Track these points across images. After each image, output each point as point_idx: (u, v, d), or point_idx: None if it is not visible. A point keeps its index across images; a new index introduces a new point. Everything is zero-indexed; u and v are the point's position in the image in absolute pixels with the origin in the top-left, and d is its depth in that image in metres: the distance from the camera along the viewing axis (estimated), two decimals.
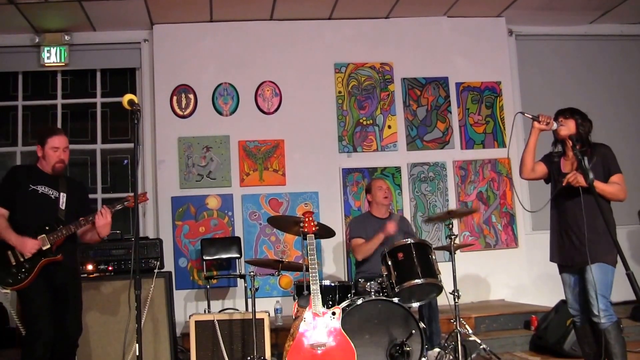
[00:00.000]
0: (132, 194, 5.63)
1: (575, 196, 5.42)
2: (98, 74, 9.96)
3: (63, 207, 5.81)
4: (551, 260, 5.82)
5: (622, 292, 8.65)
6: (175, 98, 9.58)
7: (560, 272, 5.78)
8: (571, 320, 6.71)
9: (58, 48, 9.51)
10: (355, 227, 7.80)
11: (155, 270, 7.15)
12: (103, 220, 5.69)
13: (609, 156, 5.57)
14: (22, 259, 5.52)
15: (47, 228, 5.63)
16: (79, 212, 5.86)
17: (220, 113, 9.65)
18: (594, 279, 5.36)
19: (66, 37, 9.51)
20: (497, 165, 10.04)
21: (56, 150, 5.79)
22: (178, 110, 9.56)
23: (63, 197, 5.84)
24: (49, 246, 5.59)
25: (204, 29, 9.76)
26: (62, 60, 9.53)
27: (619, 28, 10.86)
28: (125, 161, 9.95)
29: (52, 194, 5.80)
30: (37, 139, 5.94)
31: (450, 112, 10.13)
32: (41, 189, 5.77)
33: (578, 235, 5.47)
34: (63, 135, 5.91)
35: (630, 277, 4.37)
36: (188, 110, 9.57)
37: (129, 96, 4.78)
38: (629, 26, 10.88)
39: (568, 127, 5.62)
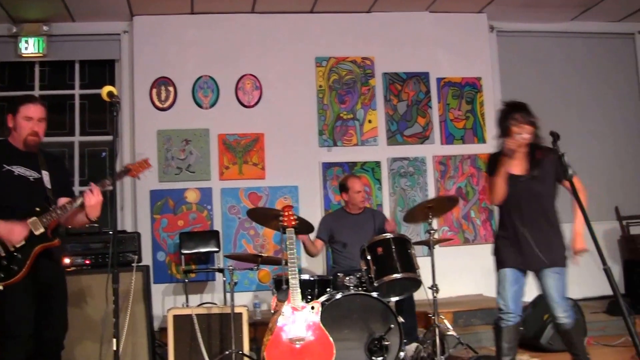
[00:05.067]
0: (132, 163, 5.22)
1: (534, 199, 5.49)
2: (77, 66, 9.86)
3: (49, 187, 5.21)
4: (505, 266, 5.63)
5: (598, 287, 8.78)
6: (154, 90, 9.51)
7: (501, 267, 5.67)
8: (548, 315, 6.74)
9: (36, 39, 9.41)
10: (322, 226, 7.98)
11: (133, 264, 7.10)
12: (94, 198, 4.99)
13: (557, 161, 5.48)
14: (12, 249, 4.91)
15: (37, 209, 5.03)
16: (63, 194, 5.31)
17: (200, 106, 9.60)
18: (560, 282, 5.46)
19: (44, 28, 9.41)
20: (477, 160, 10.05)
21: (29, 120, 5.16)
22: (157, 103, 9.50)
23: (46, 176, 5.23)
24: (43, 230, 5.01)
25: (185, 21, 9.69)
26: (40, 51, 9.43)
27: (600, 25, 10.91)
28: (104, 154, 9.89)
29: (31, 176, 5.17)
30: (9, 107, 5.26)
31: (431, 107, 10.13)
32: (17, 169, 5.14)
33: (540, 239, 5.48)
34: (39, 104, 5.28)
35: (608, 272, 4.37)
36: (167, 103, 9.51)
37: (108, 88, 4.70)
38: (609, 24, 10.93)
39: (529, 133, 5.47)
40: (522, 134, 5.43)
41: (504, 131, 5.53)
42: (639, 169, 10.88)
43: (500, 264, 5.70)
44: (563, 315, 5.45)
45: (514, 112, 5.49)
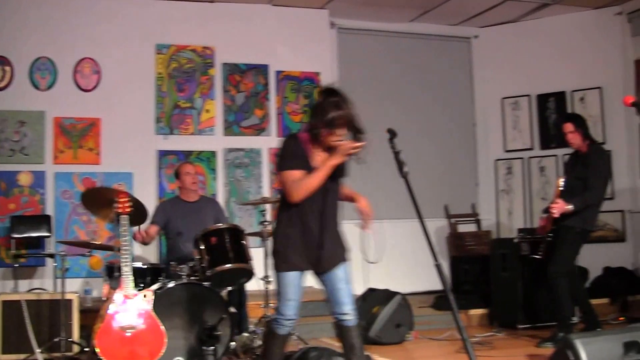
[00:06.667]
0: None
1: (332, 195, 5.07)
2: None
3: None
4: (291, 269, 5.11)
5: (424, 282, 9.13)
6: None
7: (287, 270, 5.12)
8: (378, 307, 6.98)
9: None
10: (158, 212, 7.81)
11: None
12: None
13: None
14: None
15: None
16: None
17: (37, 87, 9.39)
18: (348, 277, 5.20)
19: None
20: None
21: None
22: None
23: None
24: None
25: None
26: None
27: (439, 28, 11.36)
28: None
29: None
30: None
31: (269, 100, 10.29)
32: None
33: (332, 236, 5.11)
34: None
35: (439, 268, 4.56)
36: (3, 83, 9.24)
37: None
38: (448, 27, 11.41)
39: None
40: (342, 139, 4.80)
41: (330, 123, 4.77)
42: (468, 169, 11.45)
43: (285, 265, 5.11)
44: (351, 312, 5.20)
45: (345, 108, 4.83)
